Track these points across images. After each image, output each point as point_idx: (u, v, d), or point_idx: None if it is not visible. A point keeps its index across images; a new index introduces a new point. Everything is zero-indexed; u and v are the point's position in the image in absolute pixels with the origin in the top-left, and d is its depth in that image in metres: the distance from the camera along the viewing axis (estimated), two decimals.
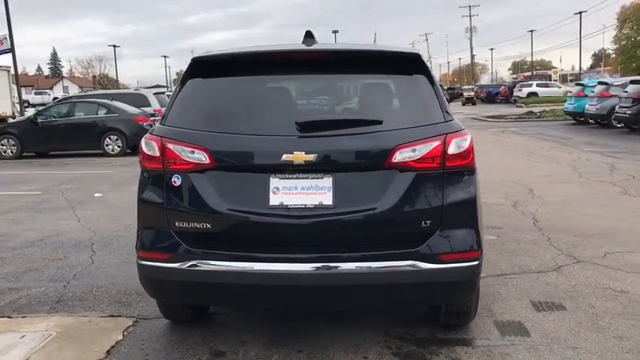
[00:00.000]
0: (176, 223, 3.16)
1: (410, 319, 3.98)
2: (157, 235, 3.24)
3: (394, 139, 3.05)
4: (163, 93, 22.21)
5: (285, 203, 3.06)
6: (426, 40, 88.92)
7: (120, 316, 4.20)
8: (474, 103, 50.93)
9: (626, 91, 18.80)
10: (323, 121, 3.12)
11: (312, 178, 3.07)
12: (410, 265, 3.03)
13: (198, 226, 3.12)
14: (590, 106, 20.52)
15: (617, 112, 18.45)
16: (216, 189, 3.10)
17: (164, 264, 3.18)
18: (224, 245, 3.12)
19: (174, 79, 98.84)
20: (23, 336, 3.82)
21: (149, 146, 3.24)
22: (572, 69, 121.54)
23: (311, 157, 2.99)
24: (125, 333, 3.90)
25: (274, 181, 3.08)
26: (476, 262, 3.13)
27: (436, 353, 3.53)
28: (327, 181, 3.06)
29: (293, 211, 3.04)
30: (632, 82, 19.36)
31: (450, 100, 66.55)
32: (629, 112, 17.63)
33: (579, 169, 10.89)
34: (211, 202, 3.09)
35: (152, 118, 16.70)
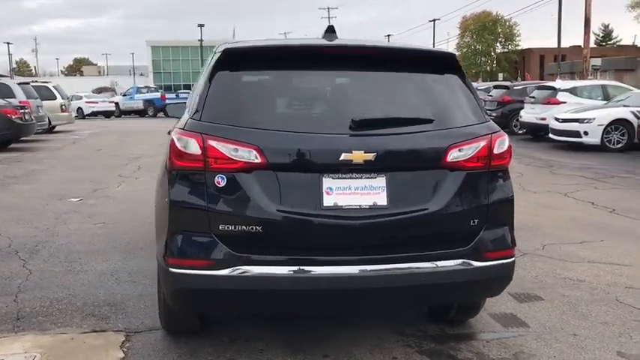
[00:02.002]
0: (219, 227, 2.92)
1: (414, 318, 4.02)
2: (195, 241, 2.96)
3: (448, 138, 3.06)
4: (28, 83, 20.28)
5: (339, 204, 2.95)
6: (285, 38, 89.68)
7: (104, 331, 3.80)
8: None
9: (491, 95, 20.41)
10: (379, 119, 3.04)
11: (365, 178, 2.98)
12: (461, 264, 3.06)
13: (245, 230, 2.91)
14: None
15: None
16: (264, 189, 2.91)
17: (206, 271, 2.92)
18: (274, 249, 2.93)
19: (14, 68, 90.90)
20: None
21: (185, 143, 2.95)
22: None
23: (370, 156, 2.91)
24: (124, 349, 3.53)
25: (327, 181, 2.95)
26: (513, 259, 3.24)
27: (458, 349, 3.60)
28: (381, 181, 2.99)
29: (348, 212, 2.94)
30: (496, 87, 21.05)
31: None
32: (494, 114, 19.11)
33: None
34: (260, 203, 2.89)
35: (22, 111, 15.25)
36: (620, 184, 9.83)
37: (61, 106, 21.89)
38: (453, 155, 3.04)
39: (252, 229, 2.90)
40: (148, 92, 37.63)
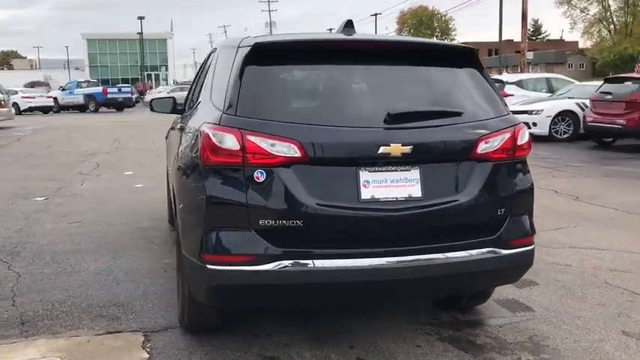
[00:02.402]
0: (259, 222, 2.91)
1: (424, 306, 4.12)
2: (234, 236, 2.94)
3: (477, 130, 3.15)
4: None
5: (376, 197, 2.99)
6: (225, 32, 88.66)
7: (120, 332, 3.71)
8: None
9: None
10: (413, 112, 3.10)
11: (400, 171, 3.04)
12: (490, 252, 3.17)
13: (285, 224, 2.91)
14: None
15: None
16: (303, 184, 2.92)
17: (247, 267, 2.90)
18: (314, 243, 2.95)
19: None
20: None
21: (223, 138, 2.92)
22: None
23: (407, 148, 2.97)
24: (147, 350, 3.47)
25: (364, 175, 2.99)
26: (534, 246, 3.37)
27: (475, 335, 3.72)
28: (415, 173, 3.06)
29: (385, 205, 2.99)
30: None
31: None
32: None
33: None
34: (299, 197, 2.90)
35: None
36: (576, 173, 10.29)
37: (0, 101, 20.94)
38: (483, 147, 3.14)
39: (292, 223, 2.91)
40: (88, 86, 36.41)
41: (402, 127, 3.01)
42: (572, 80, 19.20)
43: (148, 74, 64.30)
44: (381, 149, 2.94)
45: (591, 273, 4.91)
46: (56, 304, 4.18)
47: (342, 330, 3.74)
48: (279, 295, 3.04)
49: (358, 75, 3.22)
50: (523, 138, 3.28)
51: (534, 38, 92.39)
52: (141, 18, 53.77)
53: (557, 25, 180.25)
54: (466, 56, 3.40)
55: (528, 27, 39.81)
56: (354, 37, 3.30)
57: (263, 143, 2.89)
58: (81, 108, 34.97)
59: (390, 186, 3.01)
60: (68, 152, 13.74)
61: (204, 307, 3.41)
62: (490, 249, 3.17)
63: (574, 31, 74.39)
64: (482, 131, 3.15)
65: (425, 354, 3.44)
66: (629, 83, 13.99)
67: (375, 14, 70.16)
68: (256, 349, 3.48)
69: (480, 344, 3.58)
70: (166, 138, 6.05)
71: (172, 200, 5.84)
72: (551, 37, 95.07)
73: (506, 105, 3.38)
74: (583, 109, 14.68)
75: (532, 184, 3.37)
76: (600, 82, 15.43)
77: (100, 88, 35.68)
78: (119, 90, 36.54)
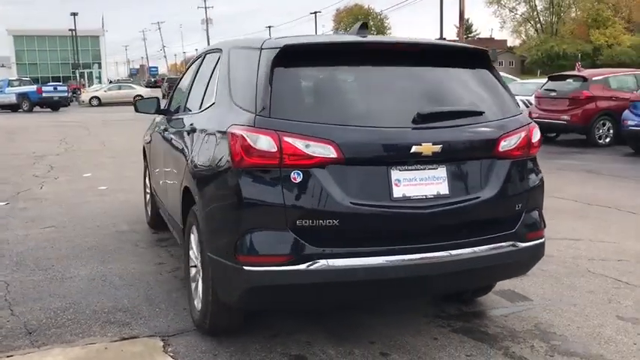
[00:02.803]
0: (297, 222, 2.94)
1: (428, 300, 4.25)
2: (271, 237, 2.96)
3: (498, 129, 3.29)
4: None
5: (407, 195, 3.08)
6: (159, 28, 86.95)
7: (136, 337, 3.66)
8: None
9: None
10: (440, 112, 3.20)
11: (428, 169, 3.14)
12: (511, 246, 3.32)
13: (322, 224, 2.95)
14: None
15: None
16: (338, 183, 2.97)
17: (285, 267, 2.93)
18: (349, 241, 3.01)
19: None
20: None
21: (259, 140, 2.93)
22: None
23: (437, 147, 3.07)
24: (170, 354, 3.44)
25: (395, 173, 3.07)
26: (544, 239, 3.55)
27: (485, 325, 3.88)
28: (442, 171, 3.17)
29: (415, 202, 3.09)
30: None
31: None
32: None
33: None
34: (335, 197, 2.95)
35: None
36: None
37: None
38: (503, 145, 3.28)
39: (328, 222, 2.96)
40: (21, 85, 34.82)
41: (430, 127, 3.11)
42: (514, 78, 19.93)
43: (80, 72, 62.07)
44: (414, 148, 3.03)
45: (573, 262, 5.18)
46: (58, 311, 4.06)
47: (358, 326, 3.81)
48: (314, 293, 3.08)
49: (384, 75, 3.29)
50: (536, 136, 3.44)
51: (465, 37, 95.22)
52: (74, 14, 51.89)
53: (487, 24, 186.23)
54: (479, 57, 3.53)
55: (459, 26, 41.17)
56: (379, 38, 3.39)
57: (299, 144, 2.92)
58: (13, 108, 33.44)
59: (420, 184, 3.11)
60: (16, 154, 13.18)
61: (228, 309, 3.41)
62: (511, 242, 3.32)
63: (504, 30, 77.29)
64: (503, 130, 3.30)
65: (444, 346, 3.56)
66: (571, 81, 14.69)
67: (315, 12, 70.46)
68: (279, 348, 3.51)
69: (493, 334, 3.74)
70: (148, 142, 5.94)
71: (156, 202, 5.77)
72: (481, 36, 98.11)
73: (517, 104, 3.54)
74: (527, 106, 15.28)
75: (543, 180, 3.55)
76: (537, 80, 16.21)
77: (34, 87, 34.16)
78: (55, 89, 35.16)
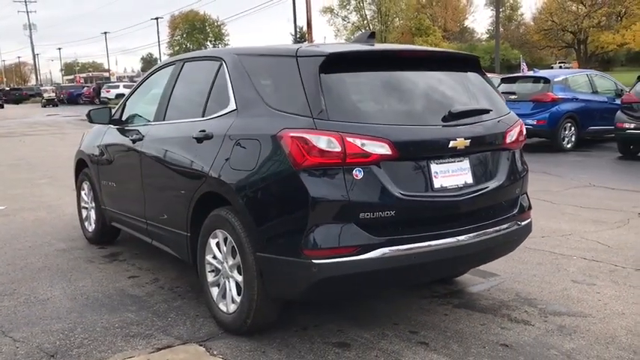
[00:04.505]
0: (360, 215, 3.20)
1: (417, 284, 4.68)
2: (338, 231, 3.18)
3: (504, 124, 3.81)
4: None
5: (444, 185, 3.47)
6: None
7: (171, 346, 3.64)
8: (55, 105, 48.52)
9: None
10: (468, 110, 3.62)
11: (457, 162, 3.56)
12: (516, 224, 3.86)
13: (381, 215, 3.24)
14: None
15: None
16: (391, 178, 3.28)
17: (352, 257, 3.18)
18: (403, 229, 3.32)
19: None
20: None
21: (322, 142, 3.15)
22: (125, 71, 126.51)
23: (467, 142, 3.50)
24: (221, 357, 3.49)
25: (434, 167, 3.45)
26: (531, 218, 4.13)
27: (476, 299, 4.39)
28: (466, 163, 3.60)
29: (451, 192, 3.49)
30: None
31: (17, 102, 61.22)
32: None
33: None
34: (391, 190, 3.26)
35: None
36: None
37: None
38: (508, 138, 3.80)
39: (386, 214, 3.25)
40: None
41: (460, 124, 3.53)
42: None
43: None
44: (451, 143, 3.44)
45: None
46: (67, 332, 3.87)
47: (375, 312, 4.13)
48: (377, 279, 3.35)
49: (413, 79, 3.66)
50: (524, 130, 4.02)
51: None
52: None
53: (322, 32, 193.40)
54: (474, 63, 4.04)
55: (293, 33, 43.01)
56: (406, 47, 3.74)
57: (359, 143, 3.18)
58: None
59: (452, 175, 3.52)
60: None
61: (273, 306, 3.57)
62: (515, 222, 3.86)
63: (338, 38, 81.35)
64: (507, 125, 3.82)
65: (457, 319, 4.01)
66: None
67: (157, 18, 68.77)
68: (318, 338, 3.72)
69: (489, 306, 4.25)
70: (96, 155, 5.70)
71: (107, 217, 5.58)
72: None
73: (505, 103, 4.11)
74: None
75: (528, 167, 4.13)
76: None
77: None
78: None
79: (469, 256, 3.62)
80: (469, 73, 3.96)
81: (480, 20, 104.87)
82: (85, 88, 51.56)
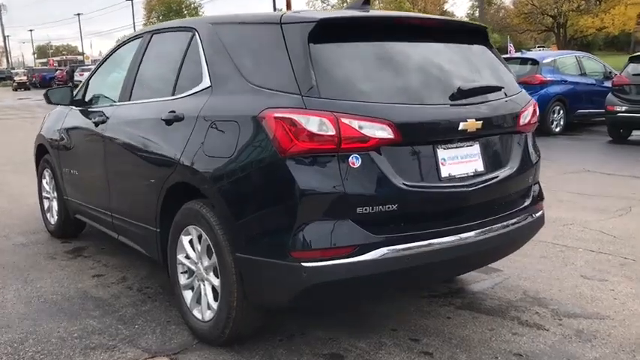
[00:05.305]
0: (357, 210, 2.72)
1: None
2: (331, 228, 2.70)
3: (518, 104, 3.34)
4: None
5: (452, 174, 3.01)
6: None
7: (154, 357, 3.16)
8: (27, 88, 47.23)
9: None
10: (475, 87, 3.12)
11: (466, 147, 3.09)
12: (530, 216, 3.41)
13: (381, 209, 2.76)
14: None
15: None
16: (393, 166, 2.80)
17: (348, 259, 2.70)
18: (407, 225, 2.85)
19: None
20: None
21: (313, 123, 2.65)
22: (100, 54, 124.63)
23: (479, 123, 3.03)
24: None
25: (441, 152, 2.98)
26: (544, 210, 3.69)
27: (481, 299, 3.96)
28: (476, 148, 3.14)
29: (460, 181, 3.03)
30: None
31: None
32: None
33: None
34: (393, 180, 2.78)
35: None
36: None
37: None
38: (521, 119, 3.34)
39: (387, 208, 2.78)
40: None
41: (470, 103, 3.06)
42: None
43: None
44: (461, 125, 2.96)
45: None
46: (16, 345, 3.36)
47: (369, 315, 3.68)
48: (377, 284, 2.89)
49: (416, 52, 3.16)
50: (537, 111, 3.56)
51: None
52: None
53: None
54: (483, 35, 3.55)
55: None
56: (409, 14, 3.24)
57: (357, 125, 2.70)
58: None
59: (461, 162, 3.05)
60: None
61: (257, 314, 3.10)
62: (529, 214, 3.41)
63: None
64: (520, 105, 3.36)
65: (462, 324, 3.57)
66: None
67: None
68: (306, 348, 3.26)
69: (495, 307, 3.82)
70: (57, 140, 5.14)
71: (72, 208, 5.05)
72: None
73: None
74: None
75: (540, 153, 3.68)
76: None
77: None
78: None
79: (480, 254, 3.18)
80: (477, 45, 3.48)
81: (459, 4, 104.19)
82: (58, 72, 50.10)
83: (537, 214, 3.51)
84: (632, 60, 11.65)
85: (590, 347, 3.25)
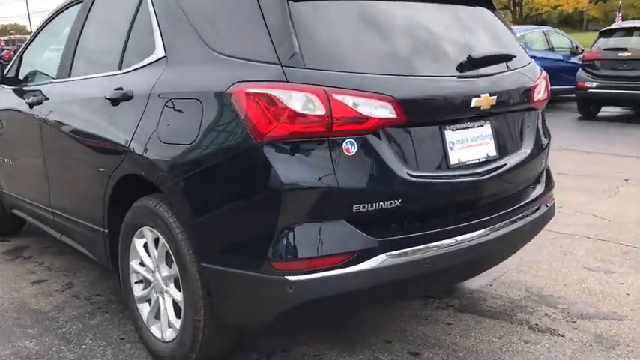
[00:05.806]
0: (353, 208, 2.19)
1: None
2: (321, 233, 2.15)
3: (531, 76, 2.85)
4: None
5: (462, 160, 2.50)
6: None
7: None
8: None
9: None
10: (488, 56, 2.61)
11: (476, 127, 2.59)
12: (543, 207, 2.96)
13: (383, 206, 2.23)
14: None
15: None
16: (395, 152, 2.28)
17: (342, 270, 2.16)
18: (413, 224, 2.34)
19: None
20: None
21: (297, 100, 2.09)
22: None
23: (494, 99, 2.52)
24: None
25: (449, 135, 2.47)
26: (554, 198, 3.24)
27: (480, 299, 3.52)
28: (487, 129, 2.64)
29: (471, 169, 2.52)
30: None
31: None
32: None
33: None
34: (396, 170, 2.26)
35: None
36: None
37: None
38: (535, 94, 2.85)
39: (390, 204, 2.25)
40: None
41: (482, 75, 2.55)
42: None
43: None
44: (474, 101, 2.45)
45: None
46: None
47: (361, 325, 3.18)
48: (377, 296, 2.37)
49: (416, 13, 2.60)
50: (549, 85, 3.07)
51: None
52: None
53: None
54: None
55: None
56: None
57: (351, 102, 2.15)
58: None
59: (471, 146, 2.55)
60: None
61: (227, 335, 2.56)
62: (544, 204, 2.96)
63: None
64: (534, 77, 2.87)
65: (466, 331, 3.11)
66: None
67: None
68: None
69: (499, 308, 3.38)
70: None
71: (8, 202, 4.41)
72: None
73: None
74: None
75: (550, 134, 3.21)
76: None
77: None
78: None
79: (493, 252, 2.70)
80: (480, 8, 2.96)
81: None
82: (5, 51, 47.76)
83: (549, 205, 3.05)
84: (602, 35, 11.39)
85: (615, 356, 2.83)
